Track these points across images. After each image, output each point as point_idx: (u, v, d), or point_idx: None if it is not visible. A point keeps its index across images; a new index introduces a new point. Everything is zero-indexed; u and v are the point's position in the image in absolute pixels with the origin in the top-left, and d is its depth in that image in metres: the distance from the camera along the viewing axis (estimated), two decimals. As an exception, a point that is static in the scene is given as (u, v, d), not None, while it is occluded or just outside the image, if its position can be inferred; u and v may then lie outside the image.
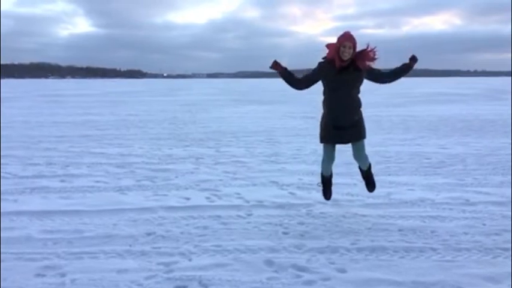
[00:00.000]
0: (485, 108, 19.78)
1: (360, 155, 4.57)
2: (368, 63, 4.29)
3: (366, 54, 4.25)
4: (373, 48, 4.28)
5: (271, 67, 4.43)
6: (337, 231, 4.44)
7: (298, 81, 4.49)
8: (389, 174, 6.86)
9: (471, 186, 6.16)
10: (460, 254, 3.88)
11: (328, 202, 5.20)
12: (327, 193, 4.98)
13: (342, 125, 4.37)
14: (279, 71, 4.45)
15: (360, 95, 4.51)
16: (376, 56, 4.29)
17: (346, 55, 4.18)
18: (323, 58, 4.39)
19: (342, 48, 4.18)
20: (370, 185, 4.91)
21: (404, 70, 4.47)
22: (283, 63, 4.43)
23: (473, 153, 8.70)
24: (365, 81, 4.49)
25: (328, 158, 4.61)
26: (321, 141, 4.56)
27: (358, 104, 4.45)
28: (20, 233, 4.40)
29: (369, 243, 4.11)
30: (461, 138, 10.78)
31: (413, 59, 4.43)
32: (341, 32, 4.30)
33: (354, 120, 4.38)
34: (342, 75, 4.25)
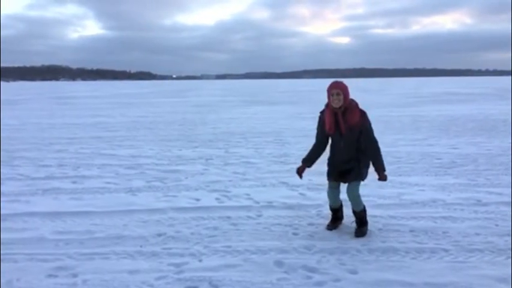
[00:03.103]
0: (497, 108, 19.58)
1: (351, 194, 4.33)
2: (355, 122, 4.19)
3: (354, 113, 4.18)
4: (361, 110, 4.24)
5: (299, 173, 4.51)
6: (348, 232, 4.42)
7: (318, 150, 4.47)
8: (400, 175, 6.82)
9: (483, 186, 6.10)
10: (473, 255, 3.84)
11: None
12: (331, 223, 4.62)
13: (342, 170, 4.38)
14: (306, 168, 4.50)
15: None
16: (361, 119, 4.18)
17: (337, 102, 4.17)
18: (322, 111, 4.40)
19: (331, 98, 4.19)
20: (360, 229, 4.42)
21: (375, 167, 4.31)
22: (303, 166, 4.48)
23: (484, 153, 8.61)
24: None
25: (331, 194, 4.53)
26: (327, 178, 4.56)
27: (359, 151, 4.32)
28: (33, 233, 4.45)
29: (380, 244, 4.09)
30: (473, 138, 10.68)
31: (382, 178, 4.32)
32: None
33: (352, 166, 4.32)
34: (340, 129, 4.21)
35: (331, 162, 4.49)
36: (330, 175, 4.50)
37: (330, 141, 4.45)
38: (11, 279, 3.47)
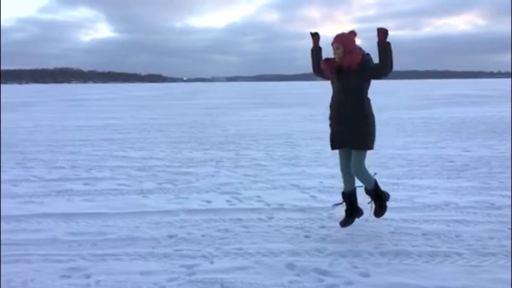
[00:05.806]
0: (509, 110, 19.32)
1: (355, 165, 4.21)
2: (351, 63, 4.09)
3: (355, 55, 4.10)
4: (362, 52, 4.15)
5: (312, 33, 4.49)
6: (360, 234, 4.40)
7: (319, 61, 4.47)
8: (412, 178, 6.77)
9: (496, 189, 6.03)
10: (486, 259, 3.80)
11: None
12: (344, 219, 4.46)
13: (339, 122, 4.27)
14: (315, 44, 4.48)
15: (369, 104, 4.26)
16: (357, 59, 4.07)
17: (337, 56, 4.18)
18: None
19: (333, 51, 4.21)
20: (379, 206, 4.38)
21: (381, 50, 4.02)
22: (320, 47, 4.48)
23: (497, 155, 8.51)
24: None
25: (342, 166, 4.44)
26: (331, 148, 4.49)
27: (358, 106, 4.18)
28: (46, 234, 4.50)
29: (392, 247, 4.06)
30: (485, 140, 10.57)
31: (381, 33, 3.98)
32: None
33: (352, 120, 4.17)
34: (339, 75, 4.20)
35: (330, 120, 4.39)
36: (332, 141, 4.39)
37: (331, 97, 4.37)
38: (26, 279, 3.52)
